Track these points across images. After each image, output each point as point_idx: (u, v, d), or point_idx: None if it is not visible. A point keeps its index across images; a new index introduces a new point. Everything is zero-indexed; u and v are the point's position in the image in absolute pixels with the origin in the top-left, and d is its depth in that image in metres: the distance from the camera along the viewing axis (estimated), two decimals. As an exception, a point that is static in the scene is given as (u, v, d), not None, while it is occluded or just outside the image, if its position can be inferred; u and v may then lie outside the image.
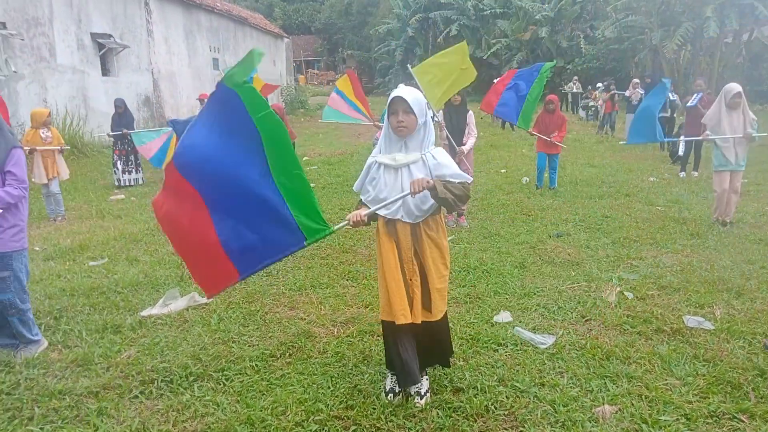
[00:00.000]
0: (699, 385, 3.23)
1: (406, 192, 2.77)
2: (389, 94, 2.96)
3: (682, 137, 9.70)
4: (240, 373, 3.49)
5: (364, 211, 2.93)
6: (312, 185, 10.29)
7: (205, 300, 4.68)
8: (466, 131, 6.89)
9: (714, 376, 3.31)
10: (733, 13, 21.78)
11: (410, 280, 2.96)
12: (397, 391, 3.15)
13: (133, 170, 10.62)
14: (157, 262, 5.77)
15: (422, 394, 3.12)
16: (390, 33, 39.99)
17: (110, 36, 15.17)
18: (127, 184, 10.54)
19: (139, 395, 3.27)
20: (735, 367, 3.39)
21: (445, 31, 35.00)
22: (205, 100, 10.10)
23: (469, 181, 2.94)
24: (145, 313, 4.46)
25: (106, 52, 15.19)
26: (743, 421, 2.89)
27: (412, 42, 38.43)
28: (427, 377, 3.23)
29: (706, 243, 6.02)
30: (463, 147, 6.85)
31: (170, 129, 9.86)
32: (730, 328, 3.93)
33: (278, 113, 8.35)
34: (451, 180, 2.83)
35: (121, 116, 10.51)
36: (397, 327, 2.97)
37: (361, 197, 3.07)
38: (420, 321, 2.98)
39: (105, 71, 15.36)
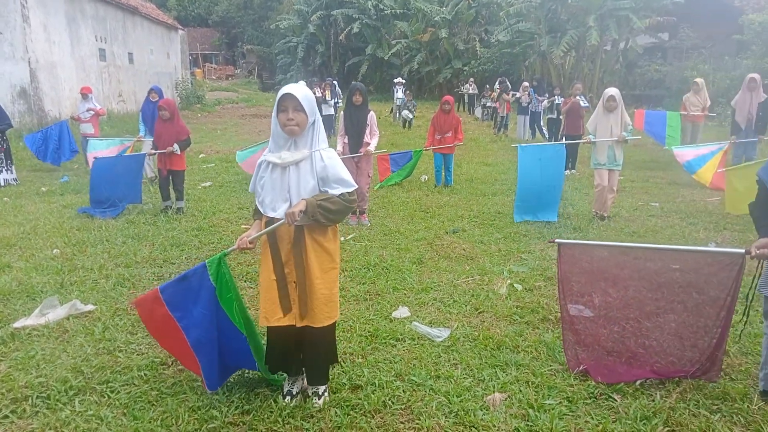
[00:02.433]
0: (579, 368, 3.47)
1: (281, 221, 2.75)
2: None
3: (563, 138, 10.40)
4: (127, 384, 3.30)
5: (250, 235, 2.90)
6: (209, 183, 9.93)
7: (88, 307, 4.37)
8: (367, 131, 6.93)
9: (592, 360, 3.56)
10: (612, 23, 23.62)
11: (290, 283, 2.90)
12: (294, 393, 3.12)
13: (4, 170, 9.70)
14: (33, 268, 5.31)
15: (320, 394, 3.10)
16: (291, 29, 39.43)
17: (-23, 20, 13.76)
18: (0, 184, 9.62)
19: (10, 414, 2.99)
20: (610, 351, 3.67)
21: (346, 30, 35.06)
22: (89, 95, 9.32)
23: (352, 189, 2.86)
24: (18, 324, 4.09)
25: (-28, 38, 13.76)
26: (616, 400, 3.15)
27: (313, 39, 38.12)
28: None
29: (587, 236, 6.47)
30: (368, 147, 6.92)
31: (129, 142, 9.37)
32: (606, 314, 4.24)
33: (169, 108, 7.85)
34: (332, 190, 2.79)
35: (-9, 109, 9.57)
36: (273, 328, 2.96)
37: (256, 199, 2.97)
38: (300, 324, 2.92)
39: (-29, 59, 13.91)
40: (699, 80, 11.28)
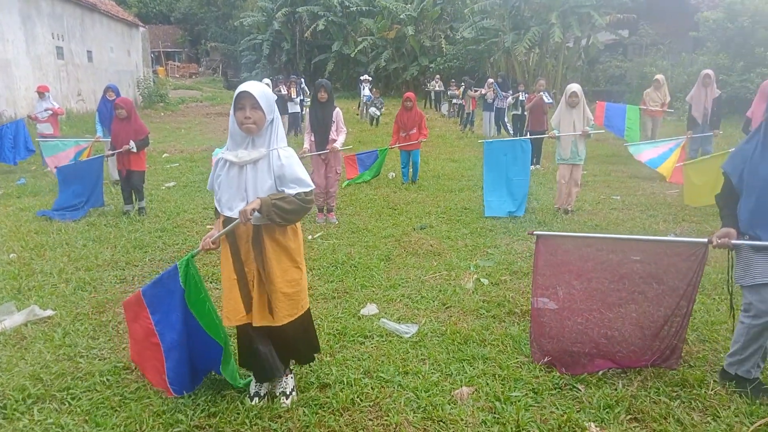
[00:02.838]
0: (545, 360, 3.52)
1: (236, 221, 2.73)
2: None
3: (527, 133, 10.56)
4: (89, 390, 3.22)
5: (213, 235, 2.88)
6: (173, 183, 9.75)
7: (48, 313, 4.25)
8: (333, 128, 6.90)
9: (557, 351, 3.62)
10: (574, 21, 24.04)
11: (250, 282, 2.87)
12: (262, 394, 3.09)
13: None
14: (-11, 274, 5.14)
15: (288, 393, 3.09)
16: (255, 26, 38.95)
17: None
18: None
19: (-35, 426, 2.89)
20: (574, 342, 3.74)
21: (312, 27, 34.83)
22: (46, 94, 9.05)
23: (309, 189, 2.82)
24: (-28, 332, 3.95)
25: None
26: (581, 390, 3.21)
27: (279, 36, 37.73)
28: (292, 375, 3.19)
29: (551, 230, 6.57)
30: (335, 144, 6.89)
31: (86, 143, 9.07)
32: (570, 306, 4.32)
33: (126, 107, 7.64)
34: (288, 189, 2.76)
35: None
36: (242, 327, 2.95)
37: (214, 198, 2.94)
38: (259, 324, 2.89)
39: None
40: (660, 77, 11.57)
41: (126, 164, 7.24)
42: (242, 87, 2.72)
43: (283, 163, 2.77)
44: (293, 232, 2.92)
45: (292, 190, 2.77)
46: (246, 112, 2.69)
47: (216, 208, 2.94)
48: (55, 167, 8.06)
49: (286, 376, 3.14)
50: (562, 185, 7.26)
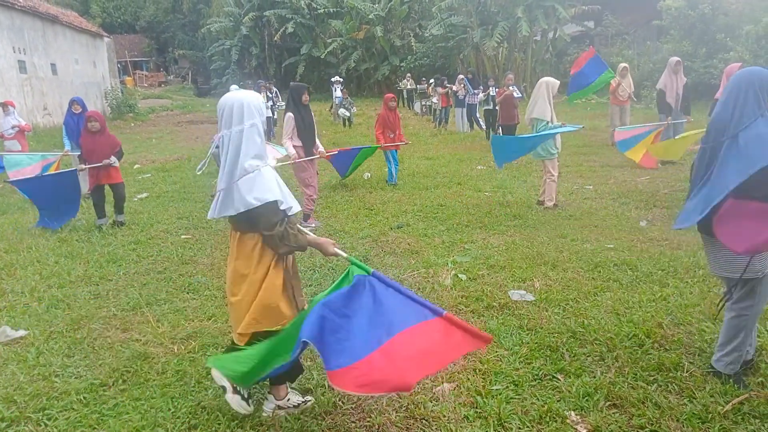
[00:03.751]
0: (524, 352, 3.56)
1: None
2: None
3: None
4: (65, 410, 3.16)
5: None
6: (145, 195, 9.60)
7: (20, 333, 4.16)
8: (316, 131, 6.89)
9: (536, 343, 3.66)
10: (540, 14, 24.34)
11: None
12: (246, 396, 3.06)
13: None
14: (-43, 297, 5.00)
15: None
16: (223, 32, 38.59)
17: None
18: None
19: (-64, 455, 2.82)
20: (552, 332, 3.78)
21: (280, 30, 34.65)
22: (11, 108, 8.87)
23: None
24: (-58, 357, 3.85)
25: None
26: (560, 380, 3.24)
27: (247, 41, 37.45)
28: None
29: (526, 222, 6.65)
30: (320, 150, 6.88)
31: (53, 157, 8.88)
32: (547, 297, 4.38)
33: (99, 120, 7.48)
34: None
35: None
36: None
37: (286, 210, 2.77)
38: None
39: None
40: (625, 65, 11.77)
41: (105, 178, 7.09)
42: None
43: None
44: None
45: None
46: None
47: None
48: (17, 178, 7.83)
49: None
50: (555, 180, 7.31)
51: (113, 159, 6.98)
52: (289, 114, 6.71)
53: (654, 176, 8.82)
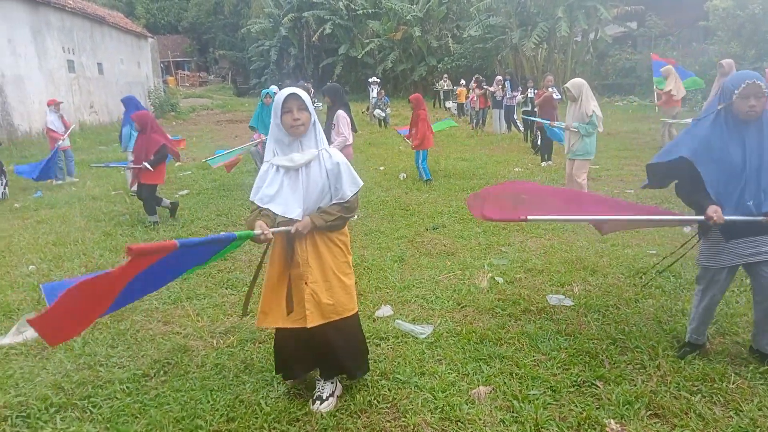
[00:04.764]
0: (562, 358, 3.50)
1: (288, 228, 2.78)
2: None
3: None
4: (109, 398, 3.25)
5: (262, 227, 2.68)
6: (186, 192, 9.80)
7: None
8: (334, 131, 6.95)
9: (575, 348, 3.60)
10: (581, 14, 23.92)
11: (302, 283, 2.93)
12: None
13: None
14: (9, 286, 5.21)
15: (323, 398, 3.06)
16: (263, 33, 39.20)
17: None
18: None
19: (-11, 437, 2.94)
20: (591, 338, 3.72)
21: (319, 31, 34.99)
22: (53, 107, 9.38)
23: (361, 185, 2.97)
24: (-6, 344, 4.01)
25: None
26: (599, 387, 3.18)
27: (286, 42, 37.97)
28: (333, 382, 3.15)
29: (564, 226, 6.54)
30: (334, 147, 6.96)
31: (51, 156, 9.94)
32: (587, 302, 4.30)
33: (139, 122, 7.66)
34: (346, 189, 2.88)
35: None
36: (281, 330, 3.04)
37: (258, 204, 2.85)
38: (313, 324, 2.90)
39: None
40: (669, 67, 11.48)
41: (142, 178, 7.25)
42: (286, 91, 2.80)
43: (337, 161, 2.88)
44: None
45: (350, 190, 2.90)
46: (294, 114, 2.78)
47: (256, 215, 2.79)
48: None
49: (326, 381, 3.12)
50: (567, 180, 7.26)
51: (144, 164, 7.00)
52: (341, 111, 6.97)
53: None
